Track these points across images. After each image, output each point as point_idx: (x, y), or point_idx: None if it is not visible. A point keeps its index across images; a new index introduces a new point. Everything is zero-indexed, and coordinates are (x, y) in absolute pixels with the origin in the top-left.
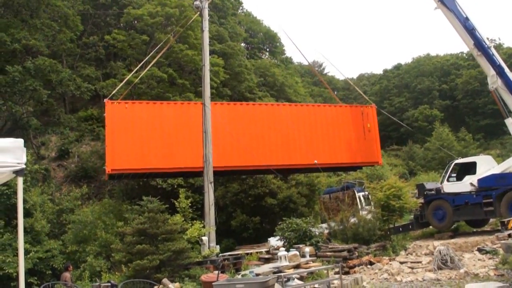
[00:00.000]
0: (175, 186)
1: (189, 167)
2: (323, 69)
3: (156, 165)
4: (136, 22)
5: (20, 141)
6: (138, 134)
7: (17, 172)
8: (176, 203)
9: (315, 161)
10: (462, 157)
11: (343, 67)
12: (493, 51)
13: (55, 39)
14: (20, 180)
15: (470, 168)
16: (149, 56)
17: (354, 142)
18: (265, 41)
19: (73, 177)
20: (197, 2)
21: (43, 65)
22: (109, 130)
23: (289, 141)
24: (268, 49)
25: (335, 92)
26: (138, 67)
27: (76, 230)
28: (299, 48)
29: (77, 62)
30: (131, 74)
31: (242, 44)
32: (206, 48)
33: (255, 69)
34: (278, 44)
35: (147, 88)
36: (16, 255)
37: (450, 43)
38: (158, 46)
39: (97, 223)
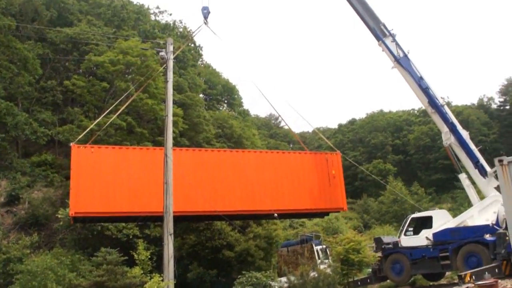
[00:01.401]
0: (131, 237)
1: (153, 212)
2: (279, 122)
3: (120, 209)
4: (96, 68)
5: None
6: (103, 178)
7: None
8: (134, 255)
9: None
10: (419, 211)
11: (299, 121)
12: (446, 109)
13: (13, 81)
14: None
15: (426, 222)
16: (115, 104)
17: (319, 188)
18: (223, 93)
19: (22, 224)
20: (163, 53)
21: None
22: (74, 173)
23: (253, 187)
24: (226, 101)
25: (291, 145)
26: (104, 114)
27: (25, 281)
28: (266, 97)
29: (33, 106)
30: (97, 121)
31: (201, 95)
32: (170, 99)
33: (213, 120)
34: (236, 96)
35: (104, 135)
36: None
37: (403, 100)
38: (122, 97)
39: (47, 274)
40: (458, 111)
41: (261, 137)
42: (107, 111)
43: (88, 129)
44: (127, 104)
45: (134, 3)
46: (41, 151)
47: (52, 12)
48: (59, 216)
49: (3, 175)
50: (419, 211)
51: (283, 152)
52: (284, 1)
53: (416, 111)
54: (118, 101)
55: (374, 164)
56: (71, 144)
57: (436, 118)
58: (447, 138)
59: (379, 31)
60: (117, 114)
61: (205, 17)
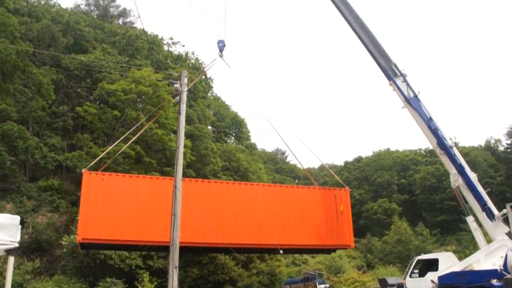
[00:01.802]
0: (133, 267)
1: (159, 242)
2: (286, 157)
3: (127, 237)
4: (108, 96)
5: (17, 218)
6: (112, 205)
7: (9, 251)
8: (139, 286)
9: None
10: (424, 253)
11: (305, 157)
12: (455, 150)
13: (26, 105)
14: (11, 260)
15: (432, 265)
16: (127, 134)
17: (326, 224)
18: (232, 125)
19: (25, 249)
20: (177, 85)
21: (11, 131)
22: (84, 199)
23: (260, 221)
24: (234, 134)
25: (296, 181)
26: (116, 143)
27: None
28: (276, 129)
29: (43, 130)
30: (108, 149)
31: (210, 127)
32: (182, 131)
33: (220, 152)
34: (244, 129)
35: (112, 163)
36: None
37: (410, 139)
38: (133, 128)
39: None
40: (465, 152)
41: (267, 171)
42: (119, 140)
43: (99, 157)
44: (138, 134)
45: (149, 33)
46: (48, 176)
47: (68, 39)
48: (63, 242)
49: (10, 198)
50: (424, 252)
51: (292, 187)
52: (294, 37)
53: (423, 151)
54: (130, 131)
55: (379, 203)
56: (83, 170)
57: (445, 159)
58: (455, 180)
59: (390, 71)
60: (128, 144)
61: (221, 50)
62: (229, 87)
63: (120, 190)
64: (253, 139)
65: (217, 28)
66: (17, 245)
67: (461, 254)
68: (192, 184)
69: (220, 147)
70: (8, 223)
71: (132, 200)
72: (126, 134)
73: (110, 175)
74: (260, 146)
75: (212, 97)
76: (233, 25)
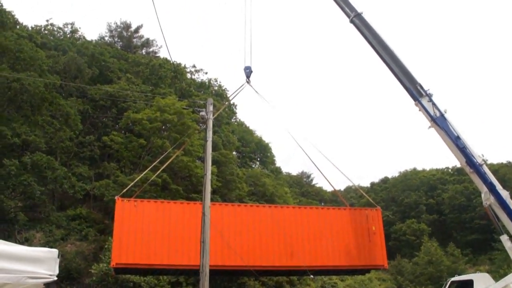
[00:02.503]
0: None
1: (190, 265)
2: (311, 180)
3: (159, 261)
4: (133, 125)
5: (55, 252)
6: (144, 230)
7: (48, 285)
8: None
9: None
10: (458, 274)
11: (331, 179)
12: (485, 168)
13: (55, 136)
14: None
15: (467, 286)
16: (155, 164)
17: (359, 245)
18: (256, 150)
19: None
20: (203, 113)
21: (40, 161)
22: (117, 225)
23: (291, 242)
24: (259, 159)
25: (322, 204)
26: (145, 172)
27: None
28: (305, 151)
29: (71, 160)
30: (138, 178)
31: (234, 153)
32: (209, 158)
33: (246, 177)
34: (269, 154)
35: (139, 191)
36: None
37: (436, 158)
38: (161, 157)
39: None
40: (494, 169)
41: (292, 195)
42: (147, 169)
43: (130, 185)
44: (166, 164)
45: (172, 61)
46: (76, 205)
47: (93, 70)
48: (92, 271)
49: (40, 228)
50: (457, 273)
51: (321, 208)
52: (317, 56)
53: (450, 170)
54: (157, 160)
55: (408, 224)
56: (116, 197)
57: (475, 178)
58: (487, 199)
59: (415, 91)
60: (157, 173)
61: (248, 76)
62: (253, 111)
63: (151, 215)
64: (278, 163)
65: (238, 54)
66: (55, 278)
67: (495, 274)
68: (221, 208)
69: (246, 172)
70: (47, 256)
71: (163, 225)
72: (154, 164)
73: (141, 201)
74: (285, 169)
75: (236, 123)
76: (253, 46)
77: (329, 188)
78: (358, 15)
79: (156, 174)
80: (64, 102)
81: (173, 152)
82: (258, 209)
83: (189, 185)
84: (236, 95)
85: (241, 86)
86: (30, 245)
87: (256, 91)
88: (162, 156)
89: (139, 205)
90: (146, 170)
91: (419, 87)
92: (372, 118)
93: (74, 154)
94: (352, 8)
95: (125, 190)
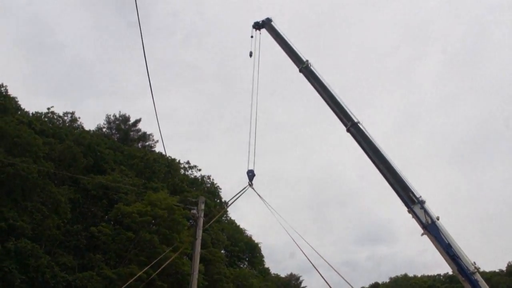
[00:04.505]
0: None
1: None
2: (300, 282)
3: None
4: (122, 217)
5: None
6: None
7: None
8: None
9: None
10: None
11: (319, 283)
12: (478, 277)
13: (42, 223)
14: None
15: None
16: (155, 262)
17: None
18: (245, 250)
19: None
20: (194, 211)
21: (25, 248)
22: None
23: None
24: (247, 258)
25: None
26: (145, 270)
27: None
28: (303, 251)
29: (55, 248)
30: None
31: (223, 251)
32: (197, 256)
33: (233, 277)
34: (258, 254)
35: (123, 284)
36: None
37: (428, 264)
38: (161, 259)
39: None
40: (486, 278)
41: None
42: (147, 267)
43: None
44: (162, 267)
45: (166, 156)
46: None
47: (88, 160)
48: None
49: None
50: None
51: None
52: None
53: (442, 277)
54: (159, 264)
55: None
56: None
57: (467, 286)
58: None
59: (407, 199)
60: (156, 273)
61: (250, 179)
62: (243, 209)
63: None
64: (267, 264)
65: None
66: None
67: None
68: None
69: (233, 271)
70: None
71: None
72: (153, 263)
73: None
74: (274, 271)
75: (226, 221)
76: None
77: None
78: (354, 124)
79: (152, 277)
80: (56, 189)
81: (162, 248)
82: None
83: (175, 282)
84: (238, 198)
85: (243, 189)
86: None
87: (259, 195)
88: (162, 257)
89: None
90: (146, 268)
91: (411, 194)
92: (363, 219)
93: (59, 242)
94: (348, 118)
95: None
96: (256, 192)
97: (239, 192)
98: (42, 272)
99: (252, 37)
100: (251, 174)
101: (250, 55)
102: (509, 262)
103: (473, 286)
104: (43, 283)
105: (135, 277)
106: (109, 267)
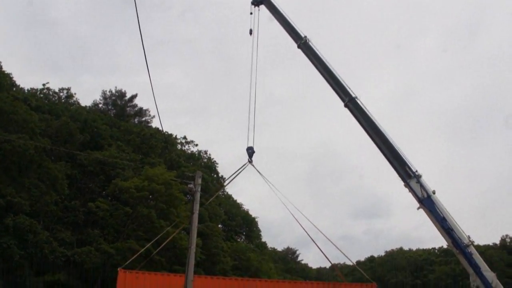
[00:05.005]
0: None
1: None
2: (297, 256)
3: None
4: (120, 193)
5: None
6: None
7: None
8: None
9: None
10: None
11: (315, 257)
12: (472, 249)
13: (40, 199)
14: None
15: None
16: (157, 238)
17: None
18: (242, 224)
19: None
20: (191, 185)
21: (23, 224)
22: None
23: None
24: (244, 233)
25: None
26: (149, 245)
27: None
28: (301, 225)
29: (54, 224)
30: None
31: (220, 226)
32: (194, 230)
33: (231, 251)
34: (254, 228)
35: (122, 259)
36: None
37: (423, 238)
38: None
39: None
40: (480, 251)
41: (277, 271)
42: (148, 244)
43: (138, 254)
44: (167, 241)
45: (163, 131)
46: (54, 270)
47: (85, 136)
48: None
49: None
50: None
51: (318, 283)
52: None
53: (437, 250)
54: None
55: None
56: (119, 269)
57: (462, 259)
58: (473, 280)
59: (403, 173)
60: (157, 250)
61: (250, 156)
62: (241, 184)
63: (152, 287)
64: (263, 238)
65: (233, 130)
66: None
67: None
68: (206, 281)
69: (231, 245)
70: None
71: None
72: (152, 242)
73: (143, 273)
74: (270, 245)
75: (223, 196)
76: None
77: (314, 266)
78: (352, 99)
79: (156, 251)
80: (53, 165)
81: (156, 220)
82: (242, 282)
83: (173, 256)
84: (238, 175)
85: (243, 166)
86: None
87: (259, 172)
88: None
89: (140, 277)
90: (150, 243)
91: (407, 168)
92: (360, 194)
93: (58, 218)
94: (346, 93)
95: (132, 258)
96: (256, 169)
97: (239, 169)
98: (41, 248)
99: (251, 13)
100: (250, 151)
101: (250, 33)
102: (503, 236)
103: (467, 259)
104: (42, 258)
105: (137, 254)
106: (107, 242)
